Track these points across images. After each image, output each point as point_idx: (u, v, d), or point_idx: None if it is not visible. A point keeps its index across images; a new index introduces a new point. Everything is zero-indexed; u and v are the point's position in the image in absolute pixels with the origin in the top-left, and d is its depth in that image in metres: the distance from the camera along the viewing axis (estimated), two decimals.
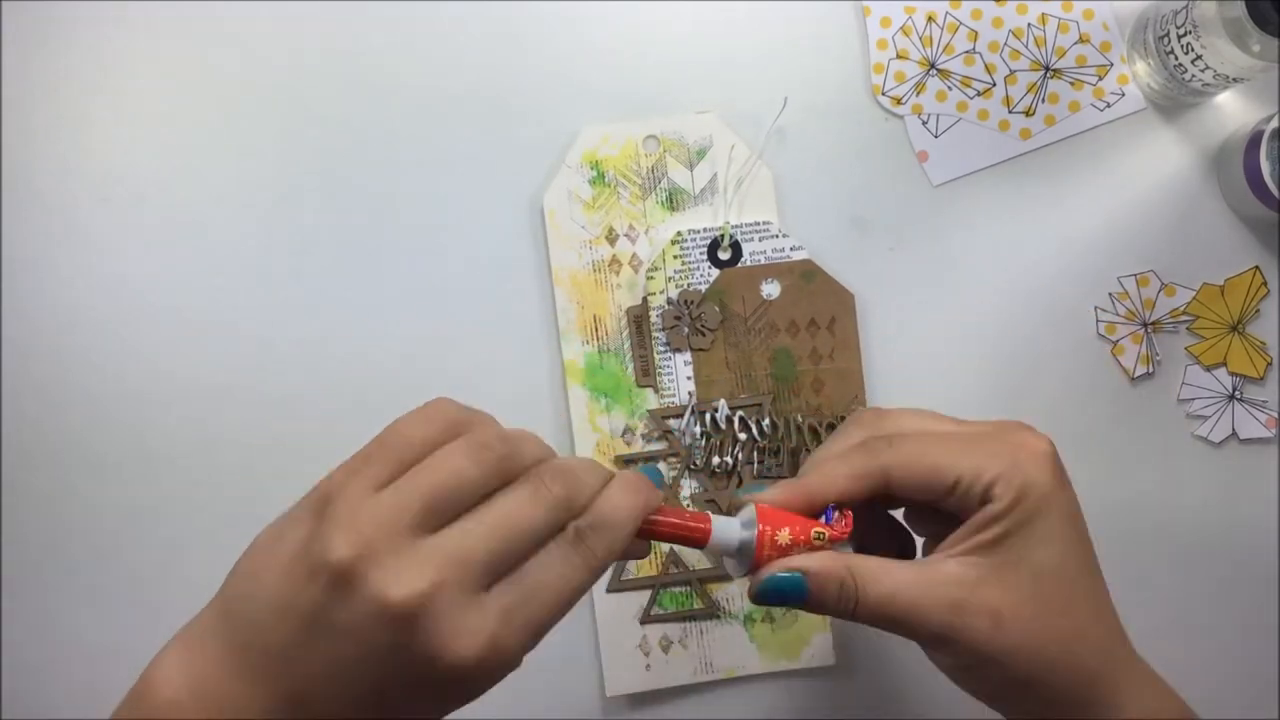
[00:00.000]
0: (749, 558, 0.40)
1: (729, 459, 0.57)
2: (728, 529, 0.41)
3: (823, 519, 0.41)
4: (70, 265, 0.57)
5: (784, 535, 0.40)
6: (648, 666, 0.57)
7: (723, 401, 0.56)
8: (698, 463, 0.57)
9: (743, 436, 0.57)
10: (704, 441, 0.57)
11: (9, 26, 0.57)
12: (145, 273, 0.58)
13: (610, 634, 0.57)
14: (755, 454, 0.57)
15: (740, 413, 0.57)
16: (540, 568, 0.37)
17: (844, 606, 0.41)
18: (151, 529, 0.58)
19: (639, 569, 0.57)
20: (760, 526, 0.40)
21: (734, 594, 0.58)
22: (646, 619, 0.57)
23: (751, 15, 0.59)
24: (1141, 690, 0.43)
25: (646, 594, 0.57)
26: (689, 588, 0.58)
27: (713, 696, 0.58)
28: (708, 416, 0.57)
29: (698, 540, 0.40)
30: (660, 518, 0.40)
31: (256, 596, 0.37)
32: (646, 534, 0.39)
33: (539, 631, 0.37)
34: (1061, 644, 0.41)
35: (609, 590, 0.57)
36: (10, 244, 0.57)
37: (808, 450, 0.57)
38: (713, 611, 0.57)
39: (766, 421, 0.57)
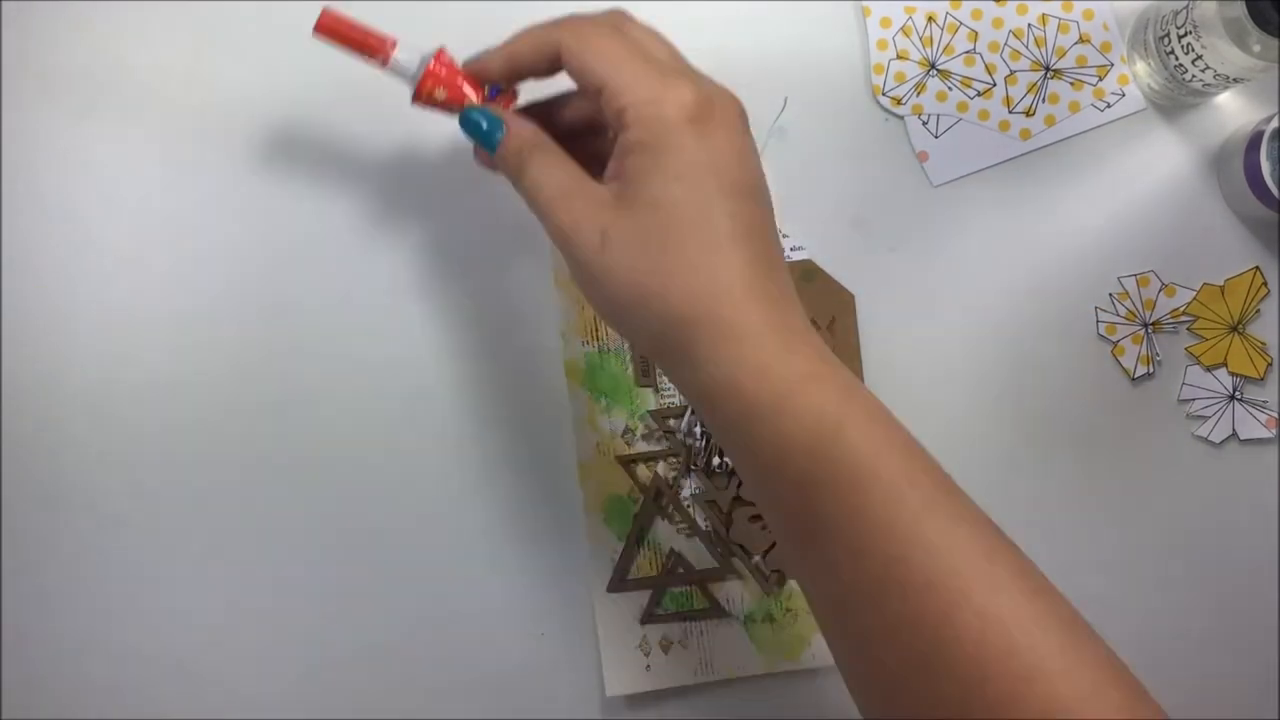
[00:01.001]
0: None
1: (729, 459, 0.57)
2: (408, 58, 0.48)
3: (488, 91, 0.48)
4: (70, 265, 0.57)
5: (440, 94, 0.48)
6: (648, 667, 0.57)
7: None
8: (698, 463, 0.57)
9: None
10: (704, 442, 0.57)
11: (9, 26, 0.57)
12: (144, 272, 0.58)
13: (610, 634, 0.57)
14: None
15: None
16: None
17: (510, 171, 0.46)
18: (152, 528, 0.58)
19: (640, 568, 0.57)
20: (433, 65, 0.48)
21: (734, 594, 0.58)
22: (647, 619, 0.57)
23: (751, 15, 0.59)
24: (733, 352, 0.41)
25: (647, 594, 0.57)
26: (690, 588, 0.57)
27: (713, 697, 0.58)
28: None
29: (375, 51, 0.48)
30: (346, 19, 0.48)
31: None
32: (327, 29, 0.48)
33: None
34: (658, 278, 0.42)
35: (609, 590, 0.57)
36: (10, 244, 0.57)
37: None
38: (712, 612, 0.57)
39: None
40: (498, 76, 0.48)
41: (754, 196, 0.43)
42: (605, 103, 0.43)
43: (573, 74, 0.45)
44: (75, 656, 0.57)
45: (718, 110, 0.43)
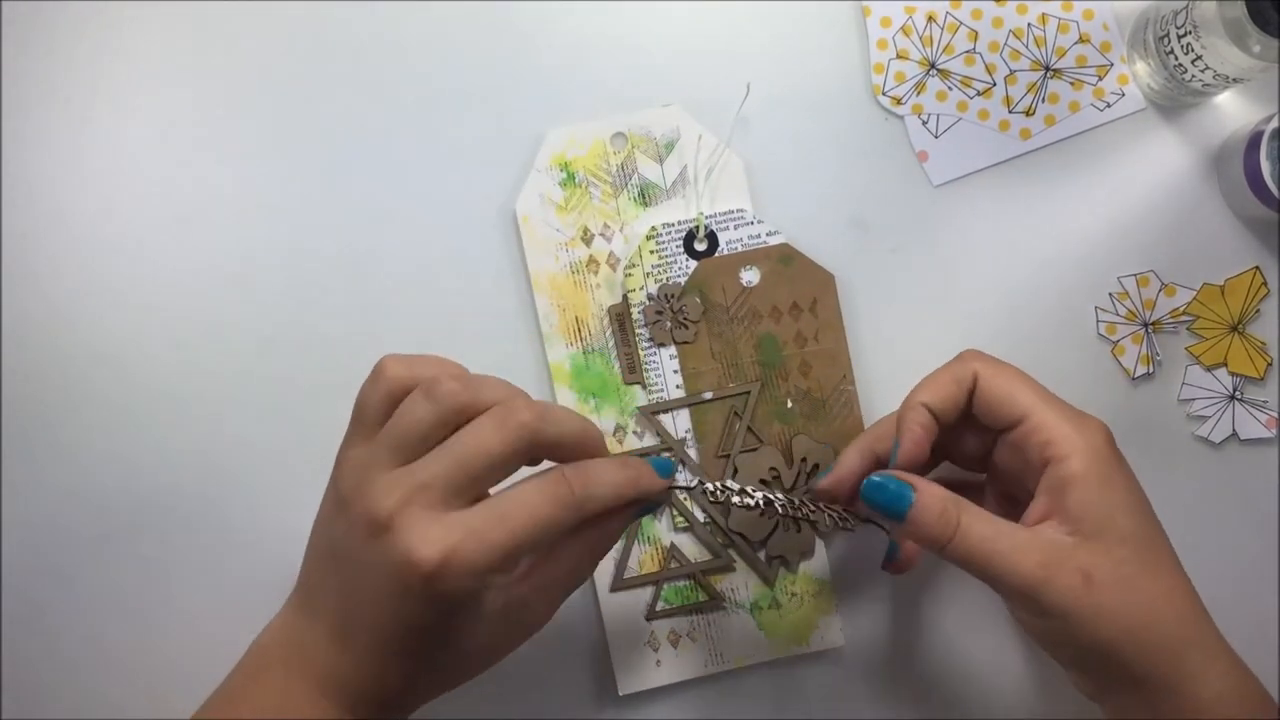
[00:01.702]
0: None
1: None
2: None
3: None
4: (70, 265, 0.57)
5: None
6: (658, 663, 0.57)
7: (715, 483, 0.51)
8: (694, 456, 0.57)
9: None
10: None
11: (9, 26, 0.58)
12: (143, 272, 0.58)
13: (618, 633, 0.57)
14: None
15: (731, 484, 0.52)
16: (513, 495, 0.43)
17: (940, 533, 0.44)
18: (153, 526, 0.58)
19: (641, 565, 0.57)
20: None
21: (738, 584, 0.58)
22: (652, 615, 0.57)
23: (752, 14, 0.59)
24: (1221, 668, 0.44)
25: (650, 590, 0.57)
26: (690, 581, 0.58)
27: (726, 687, 0.58)
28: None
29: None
30: None
31: (308, 552, 0.46)
32: None
33: (503, 549, 0.41)
34: (1147, 609, 0.43)
35: (612, 590, 0.57)
36: (10, 244, 0.57)
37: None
38: (717, 603, 0.57)
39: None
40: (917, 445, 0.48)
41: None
42: (1026, 435, 0.46)
43: (989, 403, 0.47)
44: (76, 657, 0.57)
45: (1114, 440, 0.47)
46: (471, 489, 0.43)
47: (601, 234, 0.58)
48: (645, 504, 0.47)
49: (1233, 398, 0.59)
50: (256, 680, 0.46)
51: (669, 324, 0.57)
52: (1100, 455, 0.44)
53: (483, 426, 0.43)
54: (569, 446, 0.44)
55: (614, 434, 0.57)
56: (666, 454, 0.57)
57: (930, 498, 0.44)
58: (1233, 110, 0.59)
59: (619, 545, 0.57)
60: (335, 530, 0.44)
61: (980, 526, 0.44)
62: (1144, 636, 0.43)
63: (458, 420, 0.43)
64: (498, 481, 0.44)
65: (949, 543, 0.44)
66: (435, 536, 0.41)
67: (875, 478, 0.46)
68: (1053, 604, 0.43)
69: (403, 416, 0.43)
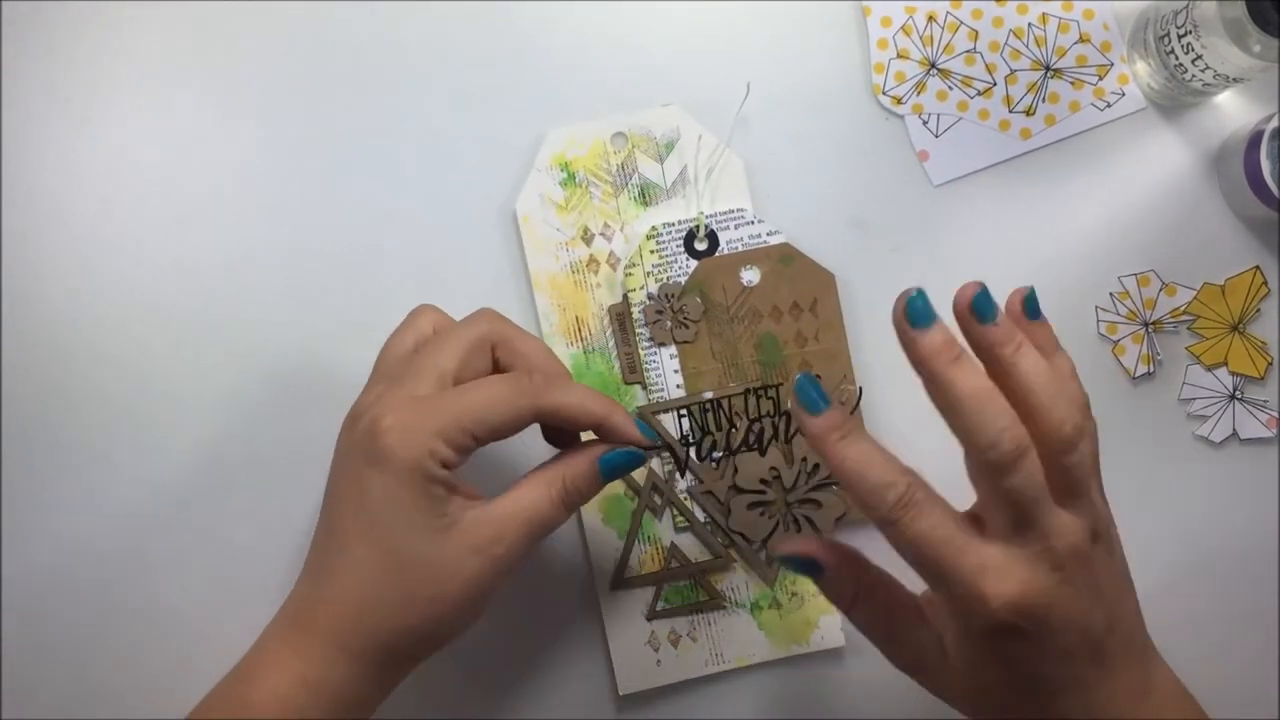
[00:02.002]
0: None
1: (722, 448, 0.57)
2: None
3: None
4: (70, 265, 0.57)
5: None
6: (658, 662, 0.57)
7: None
8: (697, 456, 0.57)
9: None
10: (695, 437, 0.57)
11: (9, 26, 0.58)
12: (143, 272, 0.58)
13: (618, 633, 0.57)
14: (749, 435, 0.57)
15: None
16: (476, 381, 0.46)
17: (843, 606, 0.47)
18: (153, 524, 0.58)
19: (641, 565, 0.57)
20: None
21: (738, 583, 0.58)
22: (653, 615, 0.57)
23: (752, 14, 0.59)
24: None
25: (650, 590, 0.57)
26: (690, 581, 0.58)
27: (726, 687, 0.58)
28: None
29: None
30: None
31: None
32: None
33: (453, 416, 0.44)
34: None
35: (612, 589, 0.57)
36: (10, 244, 0.57)
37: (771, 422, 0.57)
38: (718, 603, 0.57)
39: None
40: None
41: None
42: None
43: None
44: (76, 655, 0.57)
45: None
46: (459, 434, 0.45)
47: (602, 234, 0.58)
48: (615, 460, 0.48)
49: (1233, 397, 0.59)
50: (261, 654, 0.47)
51: (669, 324, 0.57)
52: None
53: (495, 386, 0.46)
54: (579, 422, 0.47)
55: None
56: (666, 454, 0.57)
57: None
58: (1233, 110, 0.59)
59: (619, 545, 0.57)
60: (334, 461, 0.47)
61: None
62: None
63: (473, 374, 0.46)
64: (489, 437, 0.46)
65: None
66: (400, 405, 0.45)
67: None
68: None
69: (421, 359, 0.46)
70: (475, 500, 0.46)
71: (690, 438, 0.55)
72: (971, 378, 0.42)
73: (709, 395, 0.57)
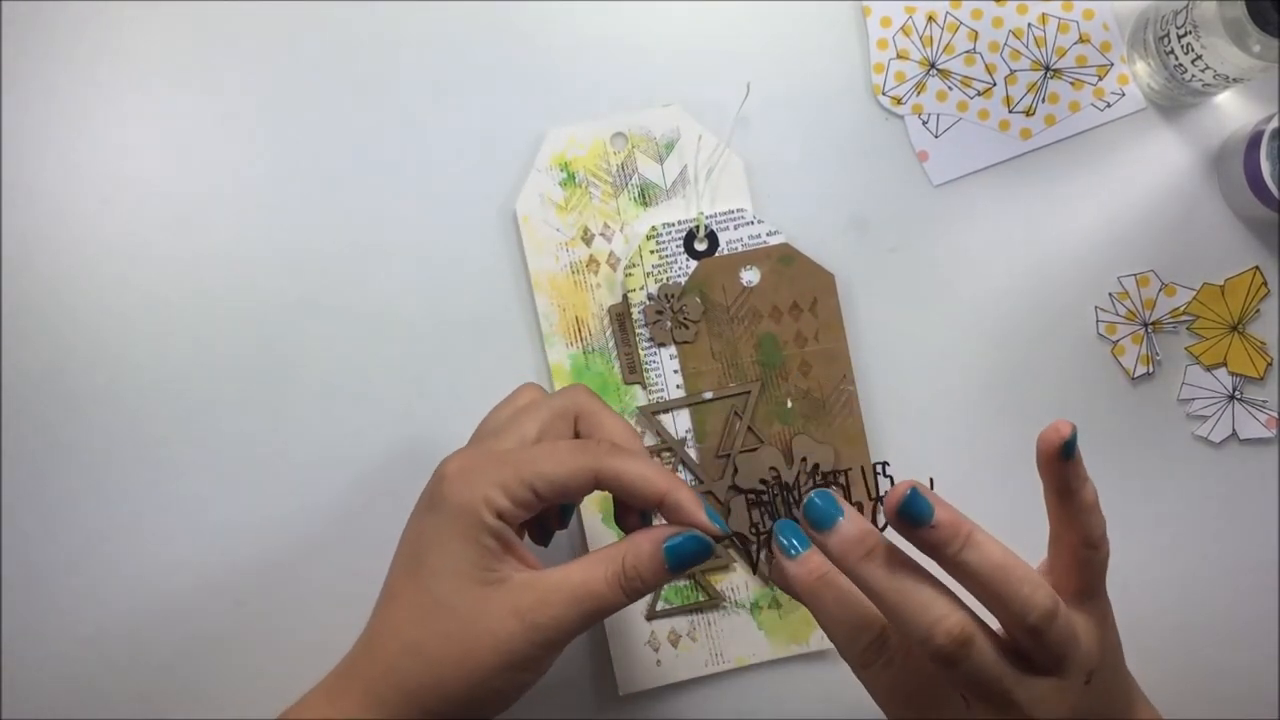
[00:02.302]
0: None
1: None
2: None
3: None
4: (70, 265, 0.57)
5: None
6: (658, 662, 0.57)
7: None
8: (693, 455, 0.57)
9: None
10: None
11: (9, 27, 0.58)
12: (142, 272, 0.58)
13: (618, 633, 0.57)
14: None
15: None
16: (544, 444, 0.46)
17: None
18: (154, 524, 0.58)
19: None
20: None
21: (738, 583, 0.58)
22: (653, 615, 0.57)
23: (752, 14, 0.59)
24: None
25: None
26: (690, 581, 0.58)
27: (726, 687, 0.58)
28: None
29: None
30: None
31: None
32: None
33: (515, 473, 0.44)
34: None
35: None
36: (10, 243, 0.57)
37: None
38: (717, 603, 0.57)
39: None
40: None
41: None
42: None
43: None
44: (75, 653, 0.57)
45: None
46: (517, 485, 0.44)
47: (601, 234, 0.58)
48: (681, 547, 0.45)
49: (1232, 398, 0.59)
50: (303, 704, 0.46)
51: (669, 324, 0.57)
52: None
53: (558, 445, 0.45)
54: (632, 494, 0.45)
55: None
56: (660, 456, 0.57)
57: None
58: (1233, 110, 0.59)
59: None
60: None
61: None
62: None
63: (554, 434, 0.47)
64: (549, 493, 0.45)
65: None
66: (463, 455, 0.46)
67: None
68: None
69: (511, 421, 0.47)
70: (531, 567, 0.45)
71: (759, 527, 0.47)
72: (880, 572, 0.40)
73: (709, 395, 0.57)
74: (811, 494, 0.41)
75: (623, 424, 0.48)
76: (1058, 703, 0.41)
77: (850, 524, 0.41)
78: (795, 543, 0.43)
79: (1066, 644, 0.40)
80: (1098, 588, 0.44)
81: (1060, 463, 0.42)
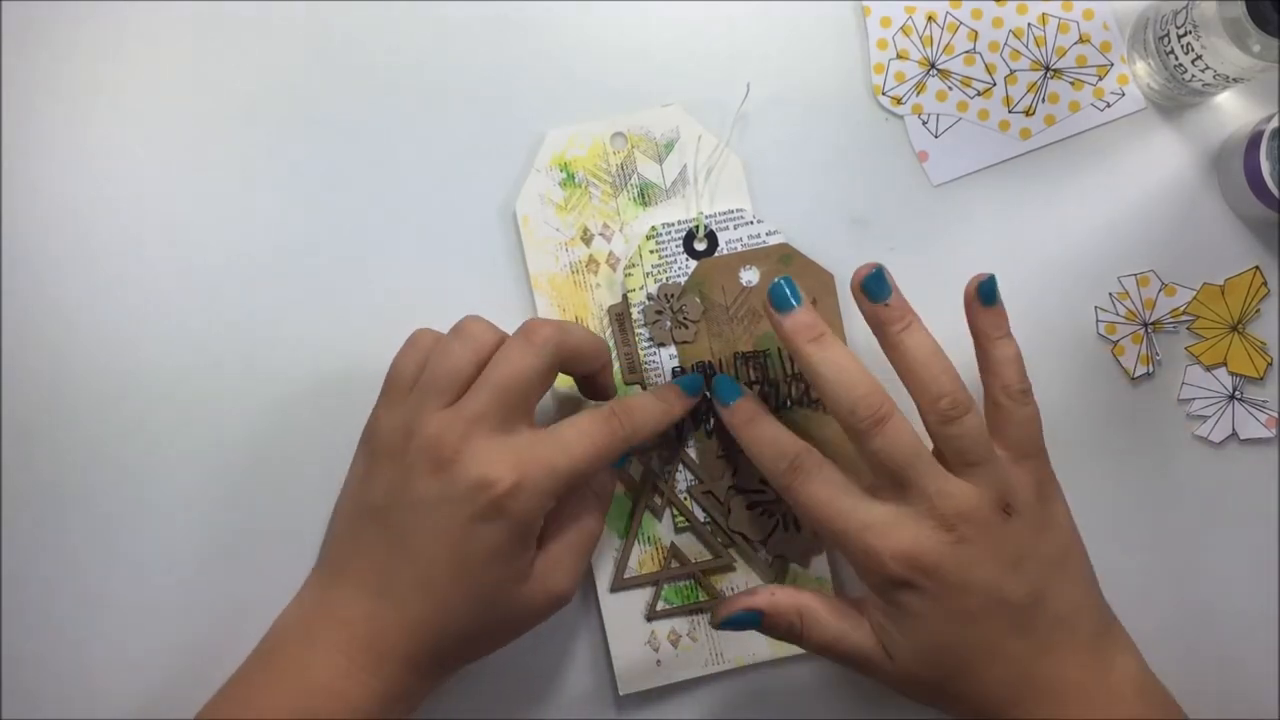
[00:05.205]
0: None
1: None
2: None
3: None
4: (70, 265, 0.57)
5: None
6: (658, 662, 0.57)
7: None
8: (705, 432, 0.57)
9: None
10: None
11: (9, 26, 0.58)
12: (143, 273, 0.58)
13: (618, 633, 0.57)
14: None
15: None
16: (572, 426, 0.48)
17: (793, 638, 0.49)
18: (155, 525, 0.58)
19: (640, 565, 0.57)
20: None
21: (738, 584, 0.58)
22: (653, 615, 0.57)
23: (752, 14, 0.59)
24: None
25: (650, 590, 0.57)
26: (691, 580, 0.58)
27: (726, 687, 0.58)
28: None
29: None
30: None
31: (333, 526, 0.51)
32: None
33: (567, 474, 0.47)
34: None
35: (612, 590, 0.57)
36: (10, 243, 0.57)
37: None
38: (718, 603, 0.57)
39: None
40: None
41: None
42: None
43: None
44: (75, 652, 0.57)
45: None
46: (520, 411, 0.47)
47: (601, 234, 0.58)
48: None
49: (1233, 398, 0.59)
50: (273, 659, 0.48)
51: (669, 324, 0.57)
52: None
53: (512, 350, 0.48)
54: (588, 355, 0.50)
55: None
56: (660, 454, 0.57)
57: (775, 618, 0.49)
58: (1233, 110, 0.59)
59: (619, 545, 0.57)
60: (374, 487, 0.48)
61: (822, 632, 0.49)
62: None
63: (488, 355, 0.48)
64: (539, 397, 0.49)
65: (801, 644, 0.50)
66: (506, 460, 0.46)
67: (725, 620, 0.50)
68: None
69: (438, 363, 0.48)
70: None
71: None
72: (828, 351, 0.47)
73: (709, 395, 0.57)
74: (777, 279, 0.48)
75: (591, 337, 0.51)
76: (959, 500, 0.45)
77: (805, 312, 0.48)
78: (734, 394, 0.52)
79: (977, 447, 0.46)
80: (1029, 448, 0.49)
81: (980, 308, 0.49)
